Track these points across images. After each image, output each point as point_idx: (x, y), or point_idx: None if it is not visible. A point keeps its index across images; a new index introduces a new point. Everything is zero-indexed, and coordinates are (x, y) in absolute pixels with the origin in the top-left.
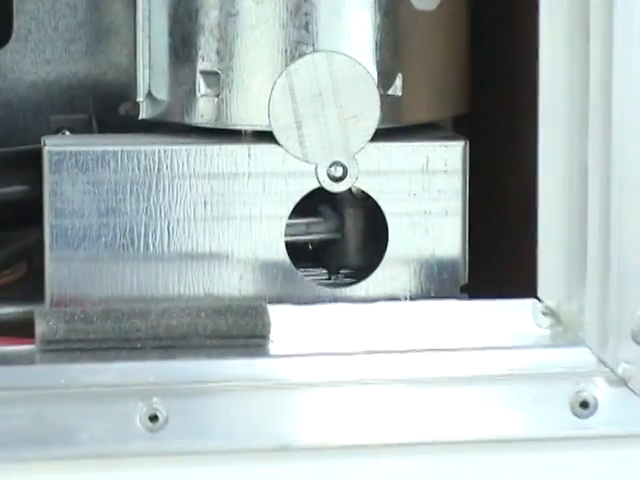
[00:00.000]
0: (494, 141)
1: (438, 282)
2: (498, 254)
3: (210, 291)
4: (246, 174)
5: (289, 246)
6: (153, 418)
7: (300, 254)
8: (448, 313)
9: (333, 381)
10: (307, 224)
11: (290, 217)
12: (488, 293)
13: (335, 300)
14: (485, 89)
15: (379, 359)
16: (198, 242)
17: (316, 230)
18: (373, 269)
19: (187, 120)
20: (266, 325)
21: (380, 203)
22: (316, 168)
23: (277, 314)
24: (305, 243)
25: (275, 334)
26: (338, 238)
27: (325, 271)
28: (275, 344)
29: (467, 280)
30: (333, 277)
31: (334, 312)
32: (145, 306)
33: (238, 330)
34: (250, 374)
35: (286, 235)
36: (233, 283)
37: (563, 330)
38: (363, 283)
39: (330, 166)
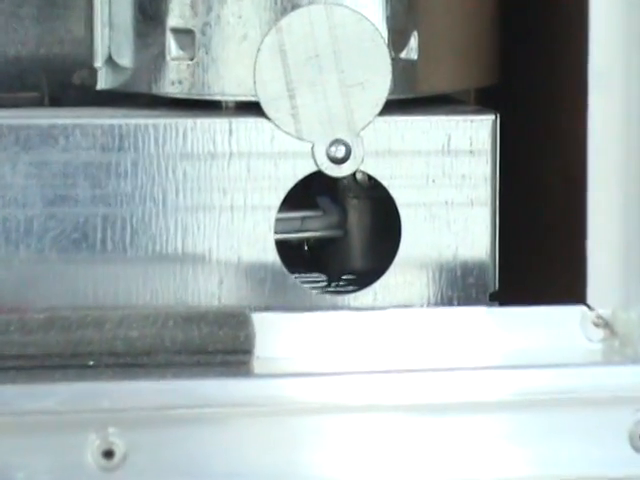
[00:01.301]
0: (528, 118)
1: (462, 288)
2: (535, 253)
3: (182, 299)
4: (227, 154)
5: (280, 245)
6: (108, 453)
7: (293, 255)
8: (474, 323)
9: (332, 407)
10: (302, 218)
11: (281, 209)
12: (523, 301)
13: (335, 308)
14: (518, 56)
15: (389, 380)
16: (168, 238)
17: (313, 226)
18: (382, 273)
19: (155, 90)
20: (249, 337)
21: (391, 191)
22: (313, 147)
23: (263, 324)
24: (299, 242)
25: (261, 348)
26: (340, 236)
27: (324, 277)
28: (261, 361)
29: (497, 286)
30: (333, 284)
31: (333, 322)
32: (99, 313)
33: (215, 343)
34: (230, 398)
35: (276, 231)
36: (211, 289)
37: (619, 344)
38: (370, 289)
39: (330, 145)
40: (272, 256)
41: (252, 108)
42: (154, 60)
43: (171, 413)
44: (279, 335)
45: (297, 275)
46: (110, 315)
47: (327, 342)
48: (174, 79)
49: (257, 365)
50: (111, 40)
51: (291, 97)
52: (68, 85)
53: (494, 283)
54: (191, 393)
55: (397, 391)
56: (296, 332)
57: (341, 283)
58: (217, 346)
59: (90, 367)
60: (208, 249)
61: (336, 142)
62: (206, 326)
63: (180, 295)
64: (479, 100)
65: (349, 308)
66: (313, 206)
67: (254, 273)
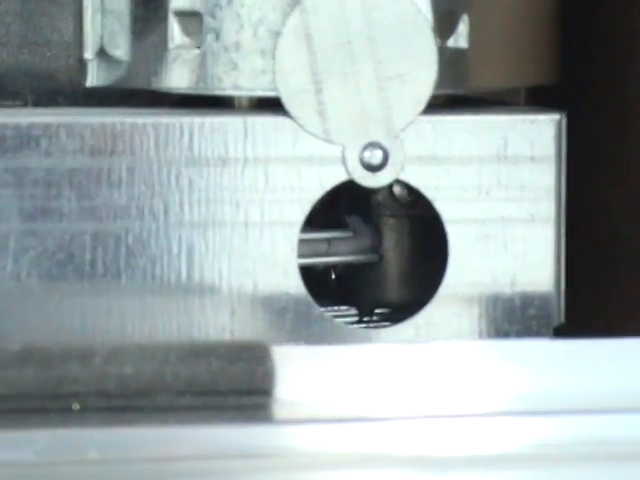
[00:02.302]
0: (593, 125)
1: (521, 321)
2: (603, 278)
3: (187, 333)
4: (241, 160)
5: (303, 271)
6: None
7: (318, 284)
8: (535, 359)
9: (368, 459)
10: (328, 240)
11: (304, 229)
12: (589, 334)
13: (367, 337)
14: (583, 54)
15: (434, 428)
16: (170, 260)
17: (341, 249)
18: (425, 303)
19: (156, 85)
20: (269, 375)
21: (436, 205)
22: (343, 152)
23: (285, 360)
24: (325, 268)
25: (282, 389)
26: (373, 261)
27: (354, 310)
28: (282, 404)
29: (563, 318)
30: (366, 319)
31: (368, 358)
32: (86, 346)
33: (227, 382)
34: (245, 448)
35: (299, 255)
36: (221, 321)
37: None
38: (410, 323)
39: (364, 149)
40: (295, 282)
41: (271, 105)
42: (154, 50)
43: (173, 467)
44: (304, 373)
45: (322, 308)
46: (99, 348)
47: (360, 382)
48: (178, 72)
49: (277, 409)
50: (103, 28)
51: (318, 91)
52: (55, 92)
53: (559, 315)
54: (197, 443)
55: (444, 440)
56: (324, 370)
57: (375, 318)
58: (229, 385)
59: (75, 411)
60: (218, 273)
61: (371, 146)
62: (216, 361)
63: (185, 329)
64: (537, 102)
65: (385, 342)
66: (342, 226)
67: (273, 302)
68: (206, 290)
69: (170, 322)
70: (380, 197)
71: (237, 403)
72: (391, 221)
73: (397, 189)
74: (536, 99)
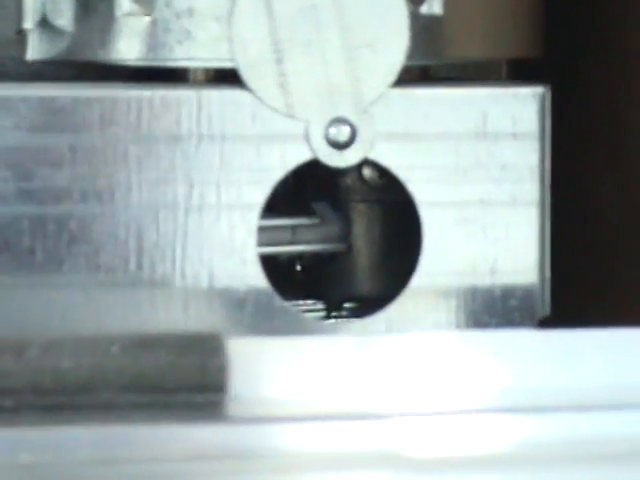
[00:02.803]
0: (581, 103)
1: (502, 313)
2: (592, 266)
3: (135, 325)
4: (194, 137)
5: (265, 261)
6: None
7: (282, 276)
8: (517, 351)
9: (331, 460)
10: (292, 227)
11: (266, 214)
12: (580, 324)
13: (334, 331)
14: (569, 25)
15: (404, 426)
16: (117, 247)
17: (307, 237)
18: (398, 294)
19: (103, 57)
20: (223, 369)
21: (409, 187)
22: (307, 128)
23: (242, 352)
24: (289, 258)
25: (238, 384)
26: (342, 250)
27: (321, 304)
28: (238, 401)
29: (549, 310)
30: (334, 313)
31: (333, 351)
32: (18, 338)
33: (176, 377)
34: (196, 449)
35: (260, 243)
36: (173, 314)
37: None
38: (382, 316)
39: (329, 125)
40: (254, 271)
41: (228, 77)
42: (101, 19)
43: (115, 470)
44: (261, 367)
45: (286, 301)
46: (34, 340)
47: (325, 377)
48: (127, 42)
49: (233, 406)
50: None
51: (279, 62)
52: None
53: (544, 306)
54: (143, 443)
55: (421, 440)
56: (284, 364)
57: (344, 312)
58: (179, 381)
59: (6, 408)
60: (170, 261)
61: (337, 121)
62: (164, 354)
63: (133, 322)
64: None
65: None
66: (307, 212)
67: (230, 294)
68: (157, 280)
69: (117, 315)
70: (349, 180)
71: (187, 400)
72: (361, 207)
73: (367, 171)
74: (518, 75)
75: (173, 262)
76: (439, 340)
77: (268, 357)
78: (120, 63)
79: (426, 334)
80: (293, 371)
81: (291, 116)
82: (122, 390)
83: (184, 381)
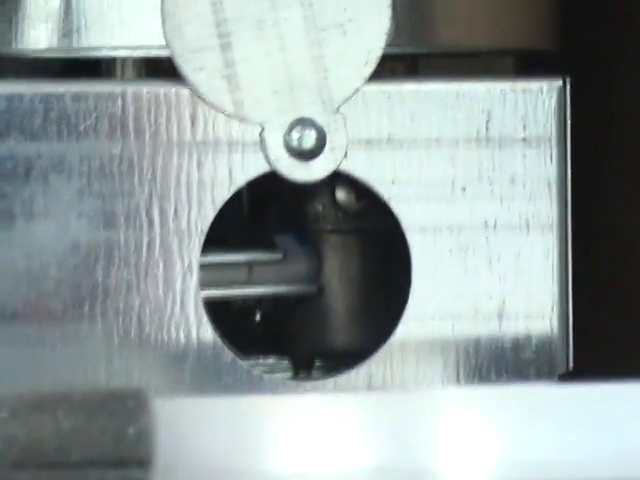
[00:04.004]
0: (602, 106)
1: (513, 367)
2: (613, 304)
3: (41, 379)
4: (118, 146)
5: (214, 307)
6: None
7: (237, 326)
8: (533, 410)
9: None
10: (250, 264)
11: (217, 249)
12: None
13: (299, 390)
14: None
15: None
16: (17, 284)
17: (267, 277)
18: (381, 343)
19: (6, 49)
20: (147, 435)
21: (394, 207)
22: (262, 133)
23: (169, 415)
24: (246, 303)
25: (164, 455)
26: (312, 293)
27: (285, 361)
28: (161, 476)
29: (571, 364)
30: (303, 373)
31: (290, 412)
32: None
33: (85, 447)
34: None
35: (205, 284)
36: (93, 370)
37: None
38: (361, 370)
39: (290, 129)
40: (197, 319)
41: (161, 69)
42: (5, 6)
43: None
44: (196, 433)
45: (243, 359)
46: None
47: (280, 444)
48: (36, 32)
49: None
50: None
51: (224, 48)
52: None
53: (566, 359)
54: None
55: None
56: (224, 428)
57: (314, 372)
58: (88, 452)
59: None
60: (88, 305)
61: (301, 124)
62: (68, 417)
63: (40, 381)
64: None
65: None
66: (267, 245)
67: (167, 346)
68: (70, 326)
69: (20, 374)
70: (318, 205)
71: (99, 478)
72: (334, 238)
73: (341, 194)
74: (529, 73)
75: (90, 305)
76: (430, 397)
77: (203, 421)
78: (31, 56)
79: (410, 391)
80: (234, 438)
81: (241, 118)
82: (12, 466)
83: (95, 452)
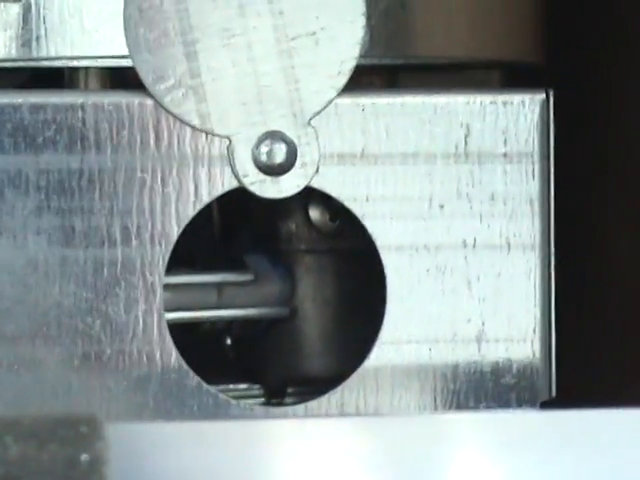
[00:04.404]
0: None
1: (492, 395)
2: (598, 328)
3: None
4: (78, 160)
5: (181, 330)
6: None
7: (205, 351)
8: (515, 439)
9: None
10: (218, 286)
11: (185, 270)
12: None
13: (268, 417)
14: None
15: None
16: None
17: (238, 299)
18: (355, 369)
19: None
20: (98, 463)
21: (368, 226)
22: (229, 147)
23: (125, 441)
24: (215, 327)
25: None
26: (284, 316)
27: (257, 387)
28: None
29: (554, 390)
30: (275, 400)
31: (253, 438)
32: None
33: (35, 474)
34: None
35: (170, 307)
36: (49, 396)
37: None
38: (333, 396)
39: (259, 142)
40: (160, 342)
41: (127, 81)
42: None
43: None
44: (153, 461)
45: (209, 383)
46: None
47: (247, 473)
48: None
49: None
50: None
51: (190, 57)
52: None
53: (549, 384)
54: None
55: None
56: (183, 455)
57: (287, 400)
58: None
59: None
60: (45, 326)
61: (270, 138)
62: (16, 444)
63: None
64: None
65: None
66: (238, 266)
67: (128, 370)
68: (26, 348)
69: None
70: (291, 224)
71: None
72: (307, 259)
73: (315, 212)
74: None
75: (47, 326)
76: (401, 425)
77: (162, 448)
78: None
79: (385, 417)
80: (196, 466)
81: (208, 130)
82: None
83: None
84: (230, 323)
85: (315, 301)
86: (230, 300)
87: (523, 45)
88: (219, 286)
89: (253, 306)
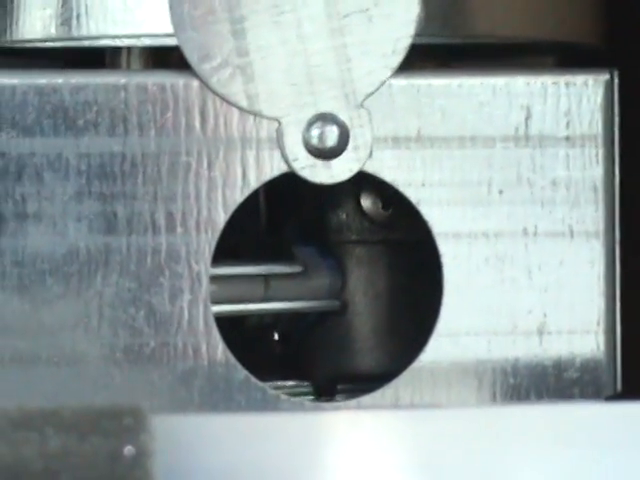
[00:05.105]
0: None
1: (554, 388)
2: None
3: (34, 399)
4: (120, 143)
5: (225, 324)
6: None
7: (251, 347)
8: (583, 431)
9: None
10: (266, 278)
11: (226, 260)
12: None
13: (318, 409)
14: None
15: None
16: (10, 296)
17: (287, 292)
18: (410, 362)
19: (8, 40)
20: (143, 457)
21: (423, 212)
22: (278, 129)
23: (171, 433)
24: (263, 321)
25: (165, 479)
26: (334, 310)
27: (306, 385)
28: None
29: (619, 384)
30: (324, 398)
31: (305, 432)
32: None
33: (75, 470)
34: None
35: (217, 299)
36: (89, 389)
37: None
38: (387, 390)
39: (310, 125)
40: (205, 332)
41: (171, 60)
42: None
43: None
44: (205, 454)
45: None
46: None
47: (297, 467)
48: (32, 20)
49: None
50: None
51: (237, 36)
52: None
53: (614, 378)
54: None
55: None
56: (239, 449)
57: (337, 396)
58: (78, 474)
59: None
60: (87, 317)
61: (321, 120)
62: (56, 434)
63: (34, 401)
64: None
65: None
66: (286, 258)
67: (173, 363)
68: (67, 341)
69: (7, 389)
70: (342, 214)
71: None
72: (359, 250)
73: (367, 200)
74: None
75: (87, 318)
76: (462, 417)
77: (209, 441)
78: (29, 47)
79: (441, 410)
80: (243, 459)
81: (256, 112)
82: None
83: (86, 475)
84: (277, 317)
85: (366, 294)
86: (278, 293)
87: (584, 26)
88: (266, 278)
89: (302, 299)
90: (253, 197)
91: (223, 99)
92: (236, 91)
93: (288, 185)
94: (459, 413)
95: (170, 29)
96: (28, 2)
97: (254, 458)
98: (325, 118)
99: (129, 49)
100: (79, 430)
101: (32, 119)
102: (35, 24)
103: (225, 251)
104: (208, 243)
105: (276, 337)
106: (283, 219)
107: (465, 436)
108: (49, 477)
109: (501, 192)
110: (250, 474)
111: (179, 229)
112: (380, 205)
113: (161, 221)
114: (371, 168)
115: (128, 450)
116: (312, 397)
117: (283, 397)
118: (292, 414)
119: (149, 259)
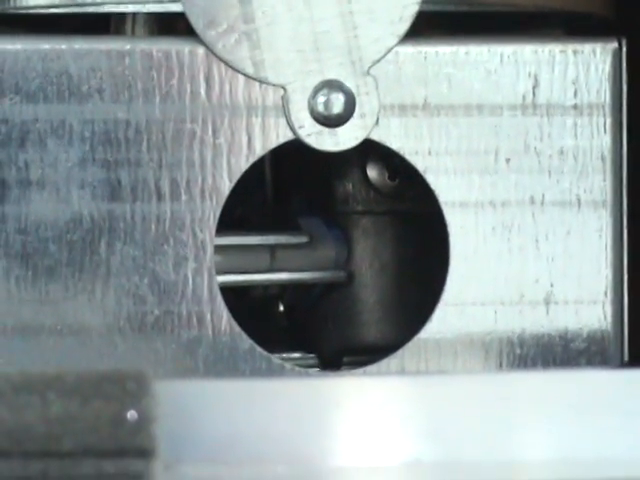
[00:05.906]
0: None
1: (561, 358)
2: None
3: (37, 365)
4: (125, 109)
5: (230, 295)
6: None
7: (256, 317)
8: (591, 395)
9: None
10: (272, 248)
11: (235, 230)
12: None
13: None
14: None
15: None
16: (12, 261)
17: (292, 262)
18: (415, 332)
19: (12, 6)
20: (147, 422)
21: (430, 181)
22: (284, 96)
23: (175, 398)
24: (268, 292)
25: (171, 446)
26: (340, 281)
27: (311, 357)
28: (168, 472)
29: (626, 354)
30: (330, 370)
31: (308, 397)
32: None
33: (78, 434)
34: None
35: (222, 269)
36: (95, 355)
37: None
38: (394, 362)
39: (316, 92)
40: (209, 300)
41: (177, 28)
42: None
43: None
44: (209, 420)
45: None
46: None
47: (300, 432)
48: None
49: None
50: None
51: (243, 2)
52: None
53: (621, 349)
54: None
55: None
56: (243, 414)
57: (343, 367)
58: (81, 440)
59: None
60: (90, 284)
61: (327, 87)
62: (60, 401)
63: (37, 367)
64: None
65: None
66: (292, 228)
67: (177, 331)
68: (70, 308)
69: (10, 356)
70: (348, 184)
71: (93, 470)
72: (365, 221)
73: (373, 170)
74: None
75: (92, 286)
76: (468, 383)
77: (213, 406)
78: (33, 13)
79: (448, 376)
80: (249, 425)
81: (261, 79)
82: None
83: (89, 440)
84: (283, 289)
85: (372, 265)
86: (283, 263)
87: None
88: (272, 249)
89: (307, 270)
90: (259, 168)
91: (228, 66)
92: (242, 57)
93: (294, 156)
94: (464, 379)
95: None
96: None
97: (258, 423)
98: (331, 85)
99: (134, 16)
100: (81, 394)
101: (36, 85)
102: None
103: (231, 222)
104: (213, 211)
105: (281, 309)
106: (289, 190)
107: (470, 401)
108: (51, 441)
109: (508, 161)
110: (254, 439)
111: (184, 196)
112: (386, 175)
113: (165, 188)
114: (377, 136)
115: (131, 414)
116: (317, 370)
117: (288, 366)
118: (297, 379)
119: (153, 227)
